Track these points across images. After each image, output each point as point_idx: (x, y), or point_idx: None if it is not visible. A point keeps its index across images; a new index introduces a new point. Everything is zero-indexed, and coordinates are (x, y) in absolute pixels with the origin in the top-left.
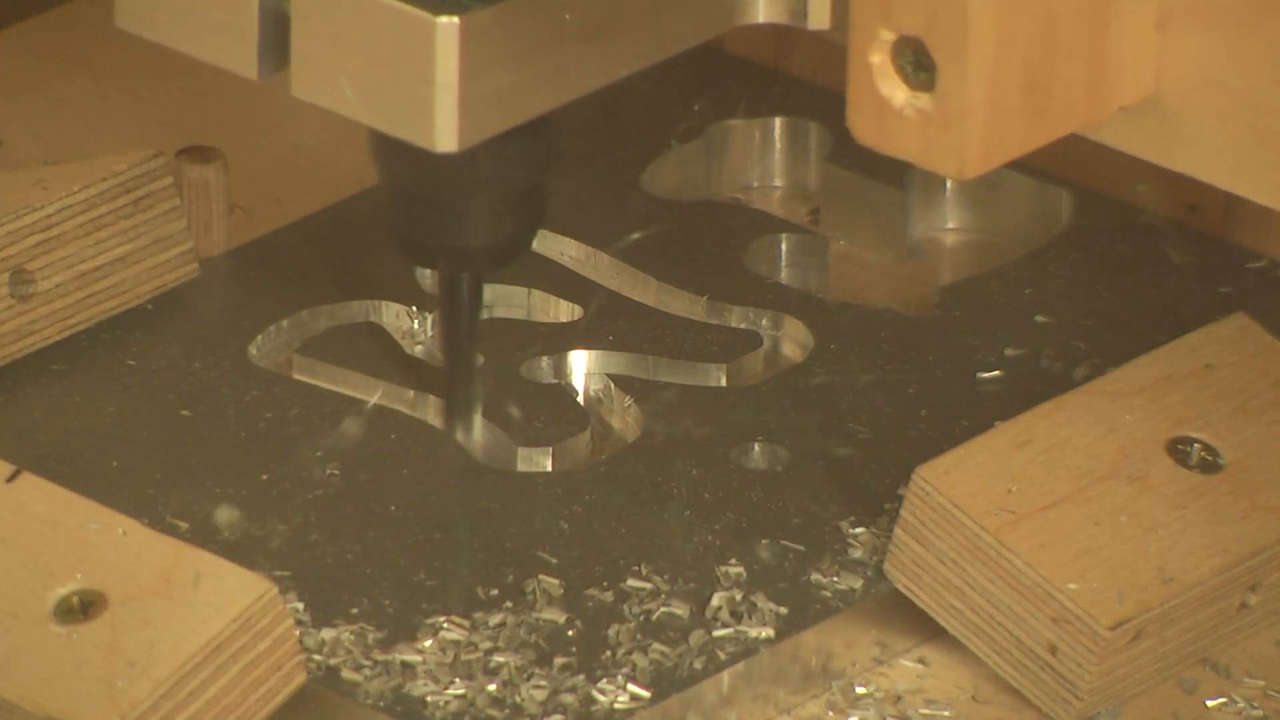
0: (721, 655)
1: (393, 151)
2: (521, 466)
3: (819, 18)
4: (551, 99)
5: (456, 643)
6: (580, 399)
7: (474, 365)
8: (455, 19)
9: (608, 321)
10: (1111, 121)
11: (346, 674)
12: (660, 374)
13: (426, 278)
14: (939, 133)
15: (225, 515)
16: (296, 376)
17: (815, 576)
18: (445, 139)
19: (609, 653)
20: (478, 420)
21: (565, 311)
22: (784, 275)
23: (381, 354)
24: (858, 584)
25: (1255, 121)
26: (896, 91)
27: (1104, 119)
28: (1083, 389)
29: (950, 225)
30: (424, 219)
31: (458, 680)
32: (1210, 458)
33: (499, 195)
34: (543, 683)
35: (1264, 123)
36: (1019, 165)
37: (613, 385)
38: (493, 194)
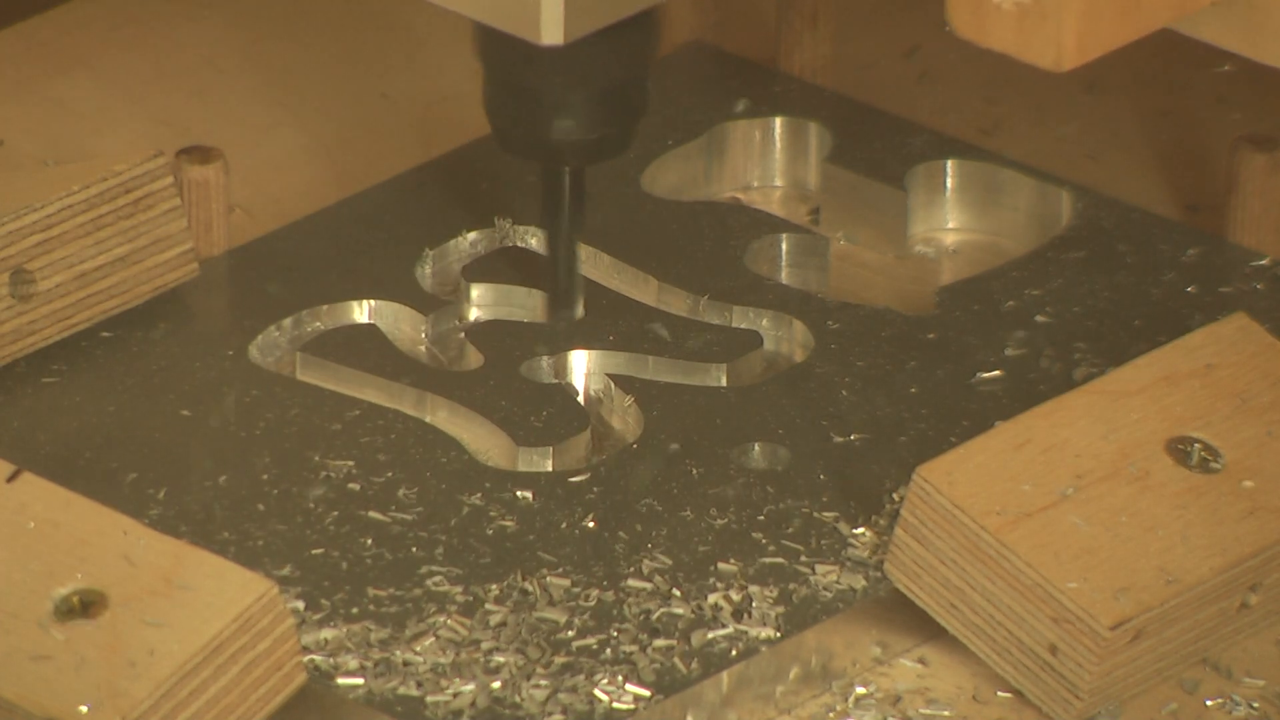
0: (721, 655)
1: (497, 46)
2: (521, 466)
3: None
4: None
5: (456, 643)
6: (580, 399)
7: (575, 257)
8: None
9: (608, 321)
10: (1202, 14)
11: (346, 674)
12: (660, 374)
13: (427, 277)
14: (1036, 24)
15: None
16: (297, 376)
17: (815, 576)
18: (551, 32)
19: (609, 653)
20: (579, 310)
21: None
22: (784, 275)
23: (381, 354)
24: (858, 584)
25: None
26: None
27: (1194, 10)
28: (1083, 389)
29: (950, 225)
30: (526, 113)
31: (458, 680)
32: (1210, 458)
33: (601, 89)
34: (543, 683)
35: None
36: (1019, 165)
37: (613, 385)
38: (595, 88)
